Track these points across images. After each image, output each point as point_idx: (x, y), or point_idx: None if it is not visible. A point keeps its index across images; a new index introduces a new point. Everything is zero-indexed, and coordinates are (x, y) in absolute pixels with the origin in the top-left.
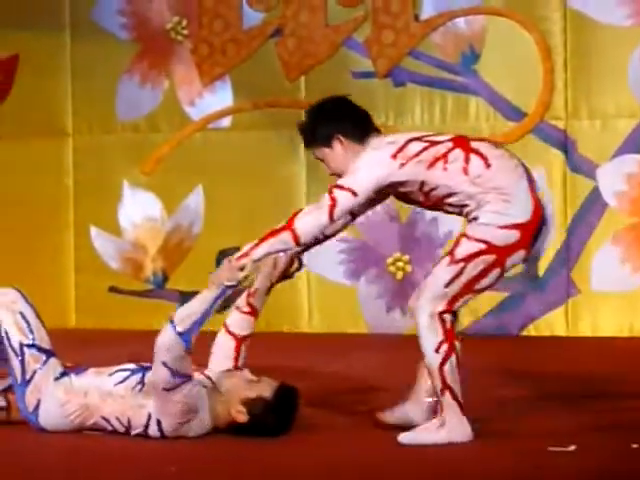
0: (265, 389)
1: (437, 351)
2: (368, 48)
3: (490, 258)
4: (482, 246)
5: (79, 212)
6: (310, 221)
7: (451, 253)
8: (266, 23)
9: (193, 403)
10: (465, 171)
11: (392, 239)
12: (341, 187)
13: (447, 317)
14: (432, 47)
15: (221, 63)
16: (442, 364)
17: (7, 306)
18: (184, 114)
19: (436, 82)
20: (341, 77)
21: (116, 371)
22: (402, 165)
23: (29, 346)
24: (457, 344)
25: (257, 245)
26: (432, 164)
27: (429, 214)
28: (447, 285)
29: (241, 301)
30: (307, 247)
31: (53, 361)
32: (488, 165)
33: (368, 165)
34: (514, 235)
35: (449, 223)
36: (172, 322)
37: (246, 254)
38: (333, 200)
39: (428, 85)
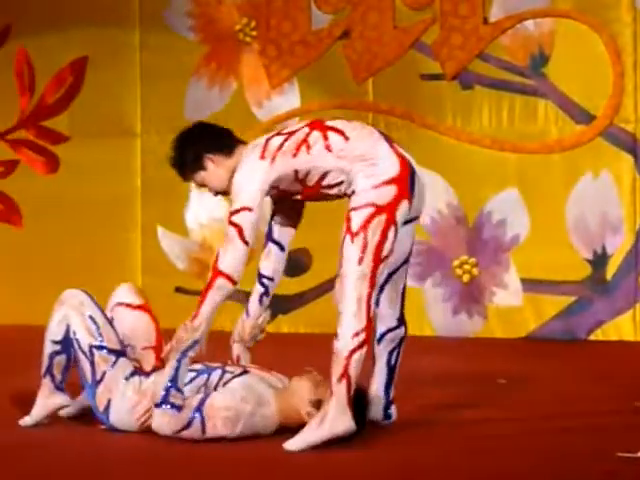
0: None
1: (355, 337)
2: (436, 50)
3: (382, 218)
4: (370, 209)
5: (146, 212)
6: (231, 257)
7: (348, 230)
8: (334, 25)
9: (233, 414)
10: (328, 148)
11: (459, 242)
12: (235, 212)
13: (372, 304)
14: (501, 50)
15: (289, 65)
16: (353, 351)
17: (75, 308)
18: (252, 115)
19: (504, 85)
20: (409, 79)
21: None
22: (272, 162)
23: (98, 347)
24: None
25: (201, 304)
26: (296, 152)
27: (496, 217)
28: (360, 262)
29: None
30: (266, 292)
31: (122, 361)
32: (347, 138)
33: (245, 179)
34: (391, 190)
35: (516, 227)
36: (154, 404)
37: (197, 314)
38: (236, 226)
39: (496, 88)
